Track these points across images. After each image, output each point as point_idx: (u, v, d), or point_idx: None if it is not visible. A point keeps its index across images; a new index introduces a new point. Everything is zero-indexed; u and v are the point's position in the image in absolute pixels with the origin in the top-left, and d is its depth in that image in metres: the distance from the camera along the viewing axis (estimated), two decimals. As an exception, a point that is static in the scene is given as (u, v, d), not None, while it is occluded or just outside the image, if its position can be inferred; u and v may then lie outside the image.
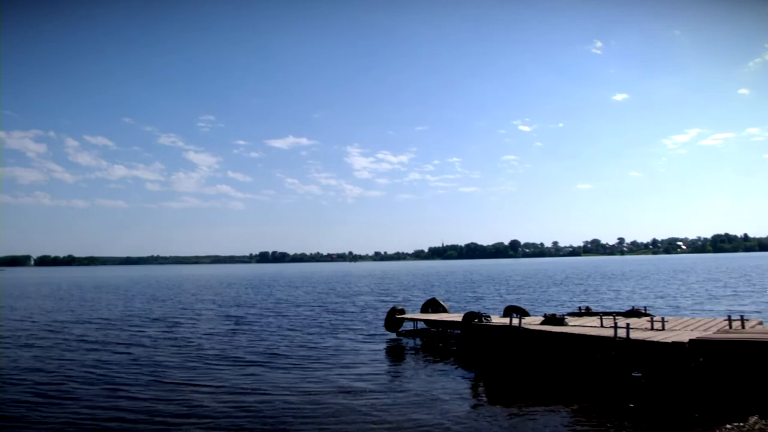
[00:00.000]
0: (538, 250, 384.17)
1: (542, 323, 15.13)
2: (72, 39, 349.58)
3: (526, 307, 20.39)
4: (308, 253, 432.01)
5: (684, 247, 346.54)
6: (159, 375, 13.73)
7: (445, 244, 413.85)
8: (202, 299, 41.32)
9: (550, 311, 19.04)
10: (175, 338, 20.18)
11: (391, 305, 25.33)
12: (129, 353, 16.96)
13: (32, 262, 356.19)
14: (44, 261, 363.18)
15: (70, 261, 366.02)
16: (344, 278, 79.71)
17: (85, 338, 20.45)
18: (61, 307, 35.18)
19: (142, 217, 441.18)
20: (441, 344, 18.24)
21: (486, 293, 42.33)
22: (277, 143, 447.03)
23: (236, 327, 23.32)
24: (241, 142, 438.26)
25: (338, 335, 20.23)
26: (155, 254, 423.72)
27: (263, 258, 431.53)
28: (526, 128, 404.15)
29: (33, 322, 26.51)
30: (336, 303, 35.15)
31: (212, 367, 14.68)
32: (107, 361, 15.62)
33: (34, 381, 13.19)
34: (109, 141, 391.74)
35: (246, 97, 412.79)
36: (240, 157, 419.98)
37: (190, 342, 19.19)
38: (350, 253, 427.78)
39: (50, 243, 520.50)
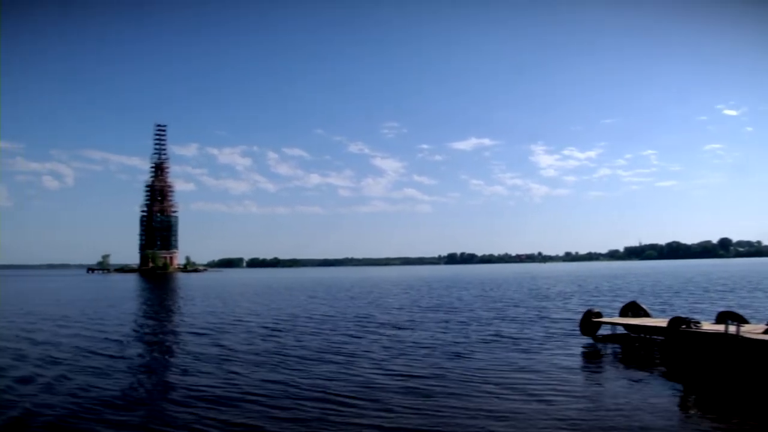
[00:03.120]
0: (754, 249, 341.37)
1: (766, 332, 13.45)
2: (267, 62, 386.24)
3: (741, 314, 18.25)
4: (496, 254, 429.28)
5: None
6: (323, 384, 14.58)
7: (642, 243, 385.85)
8: (390, 299, 42.98)
9: (773, 319, 16.89)
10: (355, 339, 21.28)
11: (579, 307, 24.24)
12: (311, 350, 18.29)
13: (244, 264, 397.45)
14: (254, 263, 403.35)
15: (275, 263, 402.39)
16: (532, 279, 77.70)
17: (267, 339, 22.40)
18: (256, 304, 38.79)
19: (336, 222, 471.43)
20: (642, 351, 17.03)
21: (690, 296, 38.70)
22: (460, 145, 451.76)
23: (418, 328, 23.71)
24: (425, 146, 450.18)
25: (529, 336, 19.79)
26: (349, 256, 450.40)
27: (451, 259, 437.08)
28: (732, 112, 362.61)
29: (219, 315, 29.62)
30: (526, 303, 34.43)
31: (394, 367, 15.17)
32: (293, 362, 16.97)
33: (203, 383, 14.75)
34: (303, 152, 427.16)
35: (427, 102, 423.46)
36: (424, 160, 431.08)
37: (376, 341, 20.10)
38: (539, 253, 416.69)
39: (259, 246, 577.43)
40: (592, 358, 16.43)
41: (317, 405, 10.90)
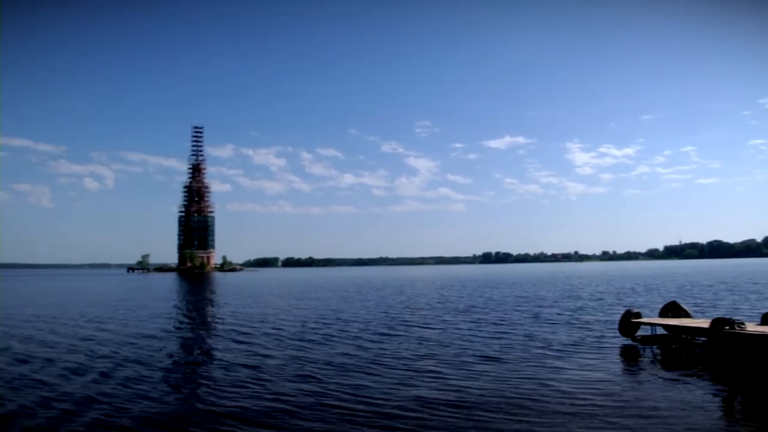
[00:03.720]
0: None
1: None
2: (300, 63, 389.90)
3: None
4: (531, 253, 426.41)
5: None
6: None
7: (682, 242, 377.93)
8: (421, 299, 42.71)
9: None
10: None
11: (615, 308, 23.64)
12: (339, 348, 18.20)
13: (279, 264, 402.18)
14: (289, 262, 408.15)
15: (310, 262, 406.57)
16: (567, 279, 76.43)
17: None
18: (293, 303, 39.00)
19: (370, 221, 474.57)
20: (684, 353, 16.48)
21: (732, 296, 37.33)
22: (494, 143, 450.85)
23: (448, 330, 23.44)
24: (458, 145, 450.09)
25: (563, 338, 19.35)
26: (384, 255, 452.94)
27: (486, 258, 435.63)
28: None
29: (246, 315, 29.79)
30: (560, 303, 33.79)
31: (423, 372, 14.98)
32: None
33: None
34: (337, 152, 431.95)
35: (460, 101, 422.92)
36: (458, 159, 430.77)
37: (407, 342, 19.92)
38: (576, 252, 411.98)
39: (294, 246, 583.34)
40: (630, 359, 15.94)
41: (343, 412, 10.78)
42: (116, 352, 17.95)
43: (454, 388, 12.17)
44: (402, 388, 12.39)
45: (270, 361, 15.98)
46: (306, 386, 12.73)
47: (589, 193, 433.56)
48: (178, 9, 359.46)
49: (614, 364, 15.18)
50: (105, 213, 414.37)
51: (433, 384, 12.71)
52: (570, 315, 27.50)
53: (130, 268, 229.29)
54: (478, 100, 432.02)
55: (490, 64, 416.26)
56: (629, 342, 18.27)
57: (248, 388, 12.68)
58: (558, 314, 28.01)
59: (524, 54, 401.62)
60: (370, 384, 12.85)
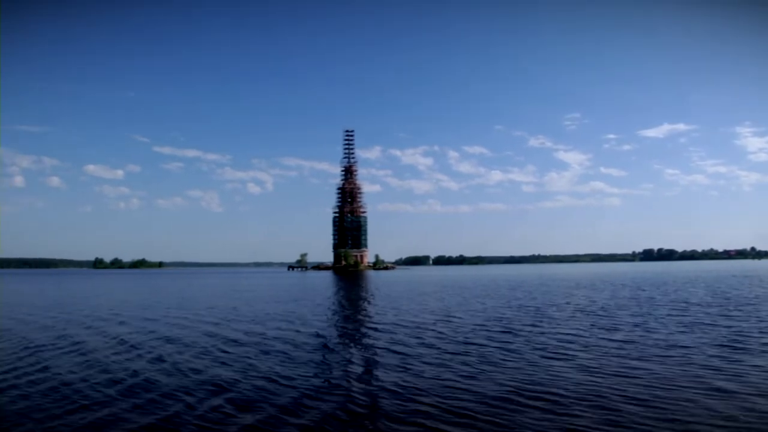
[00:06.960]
0: None
1: None
2: (442, 63, 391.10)
3: None
4: (699, 250, 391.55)
5: None
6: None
7: None
8: (560, 300, 41.23)
9: None
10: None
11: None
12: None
13: (430, 262, 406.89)
14: (440, 260, 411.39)
15: (461, 260, 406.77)
16: (735, 278, 69.28)
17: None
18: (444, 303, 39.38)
19: (520, 218, 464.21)
20: None
21: None
22: (651, 132, 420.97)
23: (576, 336, 22.32)
24: (611, 136, 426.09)
25: (726, 348, 17.72)
26: (536, 253, 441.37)
27: (647, 255, 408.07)
28: None
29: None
30: (723, 307, 30.80)
31: (566, 369, 14.68)
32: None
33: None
34: (484, 149, 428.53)
35: (610, 89, 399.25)
36: (611, 151, 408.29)
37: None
38: (752, 249, 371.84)
39: (444, 244, 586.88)
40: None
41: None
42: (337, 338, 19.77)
43: (601, 415, 10.39)
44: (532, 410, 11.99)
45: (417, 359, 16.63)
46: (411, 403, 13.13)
47: (766, 182, 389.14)
48: (327, 20, 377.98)
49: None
50: (266, 215, 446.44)
51: (577, 409, 11.00)
52: (737, 321, 24.93)
53: (290, 266, 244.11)
54: (631, 87, 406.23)
55: (643, 48, 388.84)
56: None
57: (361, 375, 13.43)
58: (722, 322, 25.12)
59: (681, 35, 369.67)
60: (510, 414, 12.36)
